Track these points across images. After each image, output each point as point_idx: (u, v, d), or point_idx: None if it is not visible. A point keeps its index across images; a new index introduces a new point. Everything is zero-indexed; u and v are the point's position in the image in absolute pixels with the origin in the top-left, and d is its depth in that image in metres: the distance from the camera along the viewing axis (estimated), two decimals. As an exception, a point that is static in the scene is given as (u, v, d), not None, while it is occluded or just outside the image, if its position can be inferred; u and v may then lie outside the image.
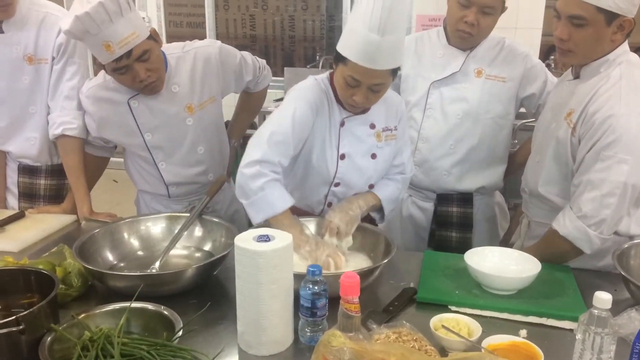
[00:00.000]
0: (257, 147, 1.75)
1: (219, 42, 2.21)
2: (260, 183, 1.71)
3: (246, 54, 2.26)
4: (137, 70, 1.91)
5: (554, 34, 1.77)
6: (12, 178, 2.37)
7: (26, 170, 2.34)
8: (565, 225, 1.73)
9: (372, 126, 1.89)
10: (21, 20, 2.15)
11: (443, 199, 2.34)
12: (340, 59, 1.70)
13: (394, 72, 1.71)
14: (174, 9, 4.86)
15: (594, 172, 1.68)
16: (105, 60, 1.88)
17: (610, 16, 1.65)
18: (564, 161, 1.82)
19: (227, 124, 2.39)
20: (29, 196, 2.36)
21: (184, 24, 4.92)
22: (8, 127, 2.27)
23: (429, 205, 2.37)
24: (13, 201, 2.38)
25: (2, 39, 2.15)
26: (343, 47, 1.68)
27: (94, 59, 2.18)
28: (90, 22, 1.78)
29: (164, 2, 4.64)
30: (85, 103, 2.12)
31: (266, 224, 1.72)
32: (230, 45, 2.25)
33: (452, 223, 2.35)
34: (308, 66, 4.87)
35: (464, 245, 2.12)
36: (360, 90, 1.71)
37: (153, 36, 1.94)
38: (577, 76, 1.84)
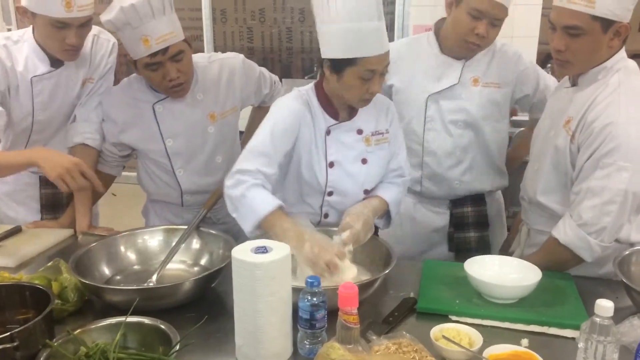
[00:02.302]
0: (239, 161, 1.78)
1: (241, 55, 2.28)
2: (240, 191, 1.71)
3: (263, 69, 2.33)
4: (168, 69, 1.96)
5: (550, 46, 1.76)
6: (29, 192, 2.35)
7: (49, 181, 2.32)
8: (566, 233, 1.72)
9: (359, 132, 1.87)
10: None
11: (457, 202, 2.35)
12: (345, 63, 1.68)
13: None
14: (171, 23, 4.89)
15: (594, 180, 1.67)
16: (139, 54, 1.93)
17: (606, 23, 1.65)
18: (563, 169, 1.81)
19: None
20: (52, 207, 2.35)
21: (181, 37, 4.95)
22: (48, 139, 2.28)
23: (444, 210, 2.38)
24: (34, 216, 2.35)
25: (65, 69, 2.16)
26: (347, 50, 1.66)
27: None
28: (134, 14, 1.85)
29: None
30: (108, 106, 2.15)
31: (266, 236, 1.70)
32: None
33: (468, 223, 2.35)
34: (306, 77, 4.86)
35: (483, 245, 2.13)
36: (374, 79, 1.72)
37: (187, 41, 2.02)
38: (574, 84, 1.83)
